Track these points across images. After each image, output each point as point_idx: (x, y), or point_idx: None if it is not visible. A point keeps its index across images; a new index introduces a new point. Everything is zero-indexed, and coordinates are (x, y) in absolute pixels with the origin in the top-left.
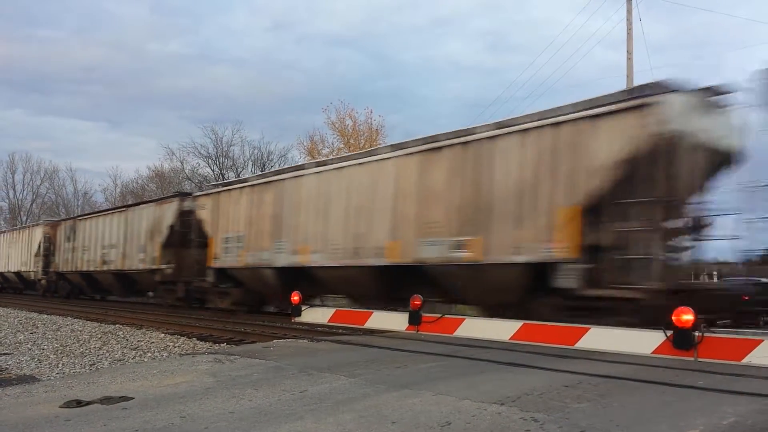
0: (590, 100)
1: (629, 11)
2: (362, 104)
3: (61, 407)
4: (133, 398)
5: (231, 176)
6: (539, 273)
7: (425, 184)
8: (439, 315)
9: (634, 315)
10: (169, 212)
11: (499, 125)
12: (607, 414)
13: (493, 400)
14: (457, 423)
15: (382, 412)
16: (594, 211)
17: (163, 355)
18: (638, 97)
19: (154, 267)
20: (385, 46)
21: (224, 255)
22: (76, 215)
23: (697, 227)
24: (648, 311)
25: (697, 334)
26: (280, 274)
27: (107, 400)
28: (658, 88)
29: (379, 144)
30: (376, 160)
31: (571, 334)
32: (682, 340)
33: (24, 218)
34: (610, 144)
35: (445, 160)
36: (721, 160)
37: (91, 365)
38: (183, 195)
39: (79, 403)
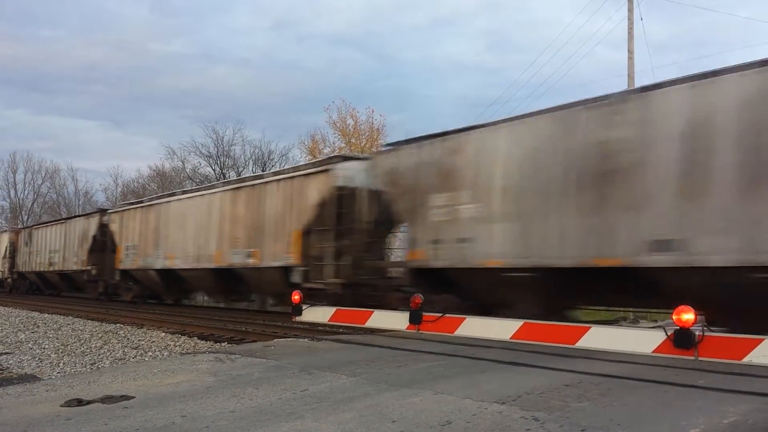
0: (312, 163)
1: (630, 10)
2: (364, 104)
3: (62, 406)
4: (134, 397)
5: (232, 175)
6: (288, 273)
7: (234, 211)
8: (440, 314)
9: (326, 299)
10: (93, 225)
11: (275, 173)
12: (608, 413)
13: (494, 399)
14: (457, 422)
15: (382, 411)
16: (308, 234)
17: (164, 354)
18: (326, 164)
19: (84, 268)
20: (387, 46)
21: (126, 259)
22: (32, 224)
23: (358, 243)
24: (331, 296)
25: (697, 333)
26: (160, 274)
27: (108, 399)
28: (337, 159)
29: (380, 143)
30: (211, 193)
31: (571, 334)
32: (682, 339)
33: (25, 218)
34: (314, 193)
35: (244, 195)
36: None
37: (92, 364)
38: (102, 211)
39: (80, 402)
